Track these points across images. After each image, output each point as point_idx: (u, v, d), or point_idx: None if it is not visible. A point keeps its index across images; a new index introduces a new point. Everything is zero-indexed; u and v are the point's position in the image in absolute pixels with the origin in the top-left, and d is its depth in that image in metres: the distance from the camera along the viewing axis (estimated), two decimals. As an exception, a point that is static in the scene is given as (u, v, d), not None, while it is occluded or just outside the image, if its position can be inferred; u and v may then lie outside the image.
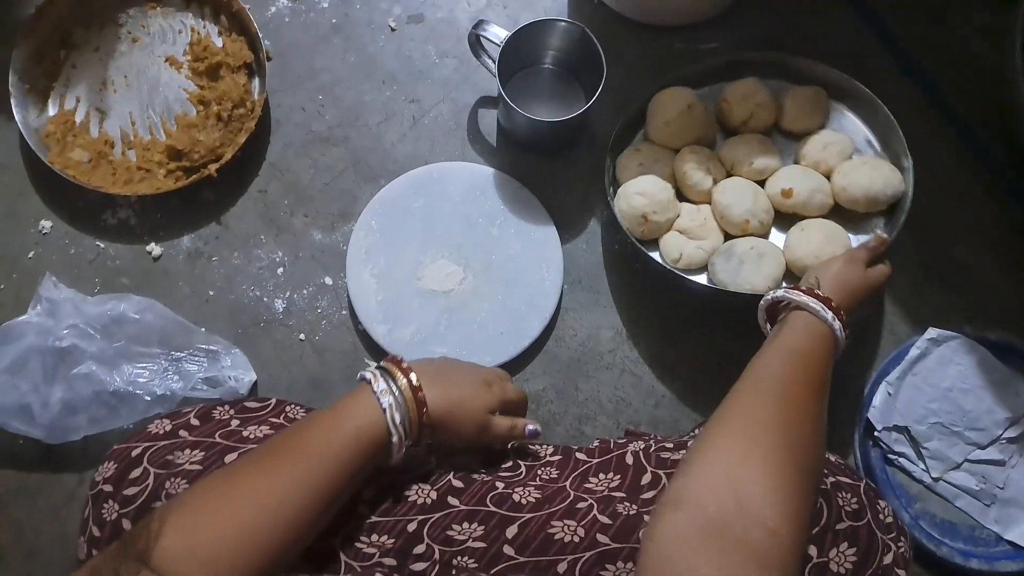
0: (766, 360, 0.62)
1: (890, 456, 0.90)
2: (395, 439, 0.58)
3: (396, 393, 0.59)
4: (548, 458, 0.69)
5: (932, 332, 0.91)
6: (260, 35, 0.95)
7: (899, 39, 1.01)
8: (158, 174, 0.94)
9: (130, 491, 0.60)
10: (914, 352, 0.91)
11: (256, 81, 0.98)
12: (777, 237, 0.89)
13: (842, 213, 0.87)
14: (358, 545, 0.59)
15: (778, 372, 0.60)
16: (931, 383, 0.90)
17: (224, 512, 0.51)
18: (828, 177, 0.87)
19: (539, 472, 0.66)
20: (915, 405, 0.90)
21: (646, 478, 0.64)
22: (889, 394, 0.90)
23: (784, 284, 0.83)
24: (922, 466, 0.90)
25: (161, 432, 0.66)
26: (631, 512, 0.61)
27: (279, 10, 1.02)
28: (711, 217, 0.87)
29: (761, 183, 0.89)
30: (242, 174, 0.98)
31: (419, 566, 0.59)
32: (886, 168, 0.84)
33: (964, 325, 0.92)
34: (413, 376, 0.61)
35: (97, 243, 0.97)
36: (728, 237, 0.87)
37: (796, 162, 0.90)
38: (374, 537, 0.60)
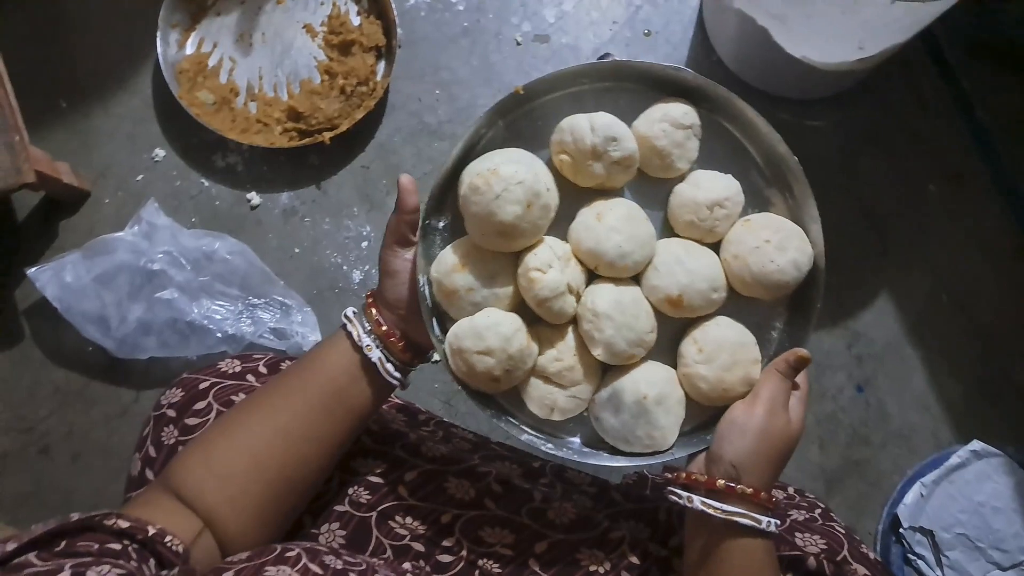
0: None
1: (910, 556, 0.91)
2: (373, 357, 0.57)
3: (363, 324, 0.58)
4: (585, 488, 0.70)
5: (976, 445, 0.92)
6: (397, 23, 1.00)
7: (1002, 157, 1.03)
8: (274, 130, 0.99)
9: (191, 421, 0.62)
10: (954, 460, 0.92)
11: (382, 64, 1.03)
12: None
13: (734, 298, 0.60)
14: (391, 524, 0.61)
15: None
16: (965, 494, 0.91)
17: (236, 430, 0.55)
18: (714, 247, 0.61)
19: (574, 497, 0.68)
20: (945, 512, 0.91)
21: (674, 541, 0.65)
22: (922, 495, 0.91)
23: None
24: (939, 573, 0.90)
25: (231, 372, 0.67)
26: (661, 554, 0.63)
27: (417, 3, 1.07)
28: (579, 351, 0.58)
29: (632, 277, 0.60)
30: (350, 147, 1.02)
31: (445, 558, 0.61)
32: (795, 240, 0.58)
33: (1008, 445, 0.93)
34: (369, 303, 0.60)
35: (202, 181, 1.02)
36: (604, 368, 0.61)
37: (667, 223, 0.62)
38: (408, 520, 0.62)
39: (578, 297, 0.58)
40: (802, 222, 0.59)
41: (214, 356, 0.94)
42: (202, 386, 0.64)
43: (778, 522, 0.53)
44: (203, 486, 0.52)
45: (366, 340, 0.57)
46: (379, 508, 0.62)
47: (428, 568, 0.61)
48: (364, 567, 0.51)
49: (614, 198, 0.60)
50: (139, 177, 1.02)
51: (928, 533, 0.91)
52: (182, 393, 0.64)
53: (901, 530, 0.91)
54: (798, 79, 1.02)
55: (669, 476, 0.57)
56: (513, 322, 0.56)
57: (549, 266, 0.56)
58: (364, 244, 1.01)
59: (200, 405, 0.63)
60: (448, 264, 0.57)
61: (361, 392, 0.58)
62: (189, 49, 1.03)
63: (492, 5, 1.08)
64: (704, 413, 0.59)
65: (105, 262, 0.93)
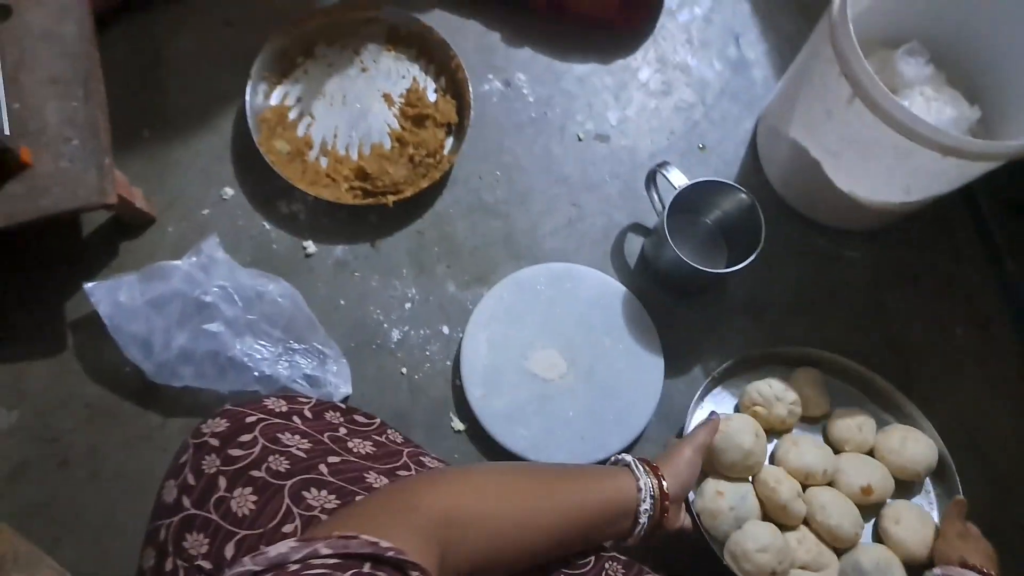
0: None
1: None
2: (642, 518, 0.68)
3: (650, 483, 0.71)
4: (617, 554, 0.70)
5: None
6: (472, 105, 1.07)
7: (1030, 311, 1.07)
8: (341, 186, 1.04)
9: (235, 452, 0.62)
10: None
11: (451, 140, 1.09)
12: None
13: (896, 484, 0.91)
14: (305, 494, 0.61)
15: None
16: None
17: (493, 497, 0.58)
18: (870, 454, 0.92)
19: (606, 566, 0.68)
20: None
21: None
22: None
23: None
24: None
25: (277, 410, 0.68)
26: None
27: (491, 89, 1.14)
28: (817, 540, 0.85)
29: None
30: (409, 212, 1.07)
31: None
32: (923, 438, 0.90)
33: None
34: (661, 472, 0.73)
35: (264, 223, 1.06)
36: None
37: (830, 444, 0.92)
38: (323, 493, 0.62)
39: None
40: (918, 427, 0.93)
41: (245, 394, 0.96)
42: (248, 420, 0.65)
43: None
44: (468, 550, 0.55)
45: (645, 506, 0.68)
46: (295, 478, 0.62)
47: None
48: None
49: (793, 433, 0.93)
50: (205, 211, 1.06)
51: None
52: (227, 423, 0.65)
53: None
54: (841, 211, 1.07)
55: None
56: (771, 525, 0.82)
57: (779, 481, 0.84)
58: (407, 305, 1.04)
59: (246, 438, 0.63)
60: (711, 494, 0.84)
61: (618, 530, 0.68)
62: (274, 100, 1.10)
63: (560, 101, 1.15)
64: (911, 573, 0.84)
65: (160, 287, 0.96)
